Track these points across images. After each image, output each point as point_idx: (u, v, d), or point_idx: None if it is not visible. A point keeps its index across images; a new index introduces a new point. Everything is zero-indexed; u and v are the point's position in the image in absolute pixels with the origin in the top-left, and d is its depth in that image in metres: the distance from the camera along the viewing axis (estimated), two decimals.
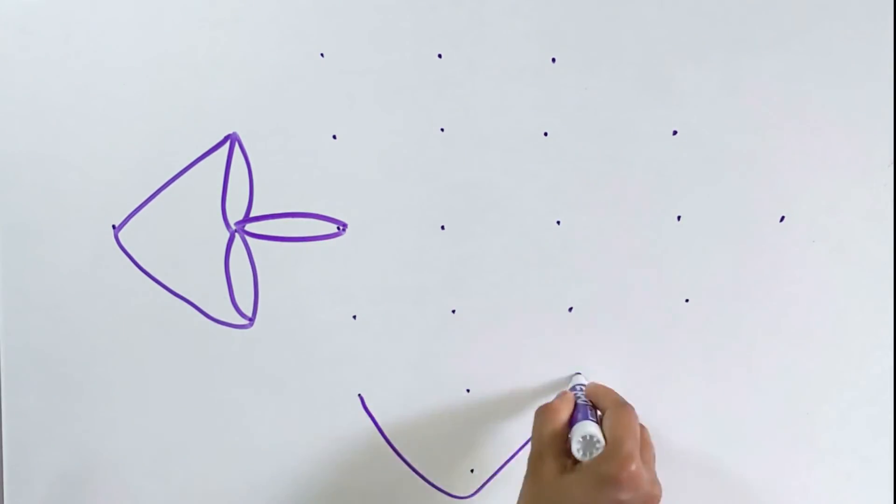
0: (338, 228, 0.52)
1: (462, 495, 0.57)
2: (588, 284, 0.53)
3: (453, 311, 0.54)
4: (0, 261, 0.53)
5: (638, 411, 0.56)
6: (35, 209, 0.52)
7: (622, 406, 0.46)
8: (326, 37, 0.49)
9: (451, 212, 0.52)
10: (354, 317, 0.54)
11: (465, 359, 0.54)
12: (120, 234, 0.52)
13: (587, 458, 0.43)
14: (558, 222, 0.52)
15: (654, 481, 0.44)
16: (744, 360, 0.55)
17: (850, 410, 0.56)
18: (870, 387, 0.56)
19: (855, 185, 0.52)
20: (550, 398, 0.51)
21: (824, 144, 0.51)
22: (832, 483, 0.57)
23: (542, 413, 0.47)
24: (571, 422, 0.46)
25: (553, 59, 0.49)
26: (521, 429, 0.57)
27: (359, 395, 0.56)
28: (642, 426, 0.47)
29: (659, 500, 0.44)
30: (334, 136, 0.51)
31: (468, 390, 0.55)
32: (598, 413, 0.48)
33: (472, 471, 0.57)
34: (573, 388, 0.51)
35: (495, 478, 0.57)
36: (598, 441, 0.43)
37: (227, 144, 0.51)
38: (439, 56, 0.49)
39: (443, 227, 0.52)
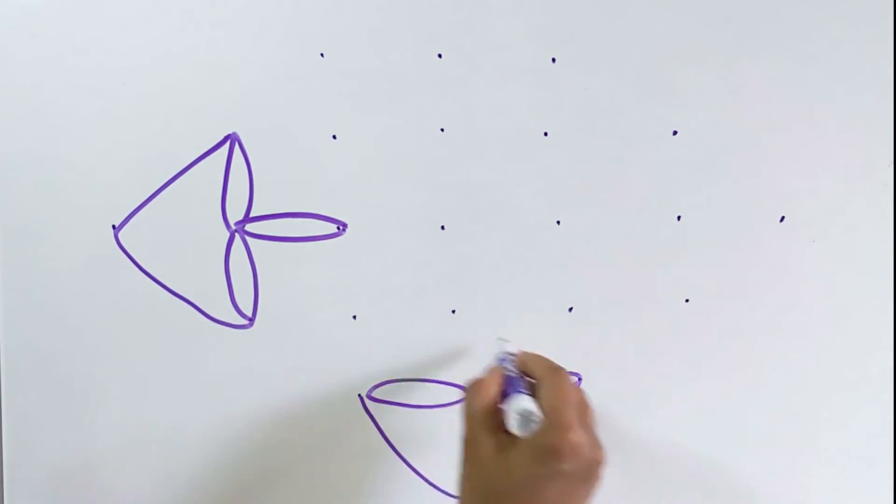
0: (338, 228, 0.52)
1: None
2: (588, 284, 0.53)
3: (453, 311, 0.54)
4: (0, 261, 0.53)
5: (638, 411, 0.56)
6: (35, 209, 0.52)
7: (556, 372, 0.44)
8: (326, 37, 0.49)
9: (451, 212, 0.52)
10: (354, 317, 0.54)
11: (464, 359, 0.54)
12: (120, 234, 0.52)
13: (526, 433, 0.42)
14: (558, 222, 0.52)
15: (596, 445, 0.43)
16: (744, 360, 0.55)
17: (850, 410, 0.56)
18: (870, 387, 0.56)
19: (855, 185, 0.52)
20: None
21: (824, 144, 0.51)
22: (832, 483, 0.57)
23: (472, 390, 0.45)
24: (503, 395, 0.45)
25: (553, 59, 0.49)
26: None
27: (359, 395, 0.56)
28: (578, 387, 0.45)
29: (602, 463, 0.43)
30: (334, 136, 0.51)
31: None
32: (530, 381, 0.46)
33: None
34: (501, 360, 0.49)
35: None
36: (535, 415, 0.42)
37: (227, 144, 0.51)
38: (439, 56, 0.49)
39: (443, 227, 0.52)
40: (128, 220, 0.52)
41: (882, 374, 0.55)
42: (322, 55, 0.50)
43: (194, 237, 0.53)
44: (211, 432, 0.56)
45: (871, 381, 0.55)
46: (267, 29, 0.49)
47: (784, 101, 0.50)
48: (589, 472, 0.42)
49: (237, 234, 0.53)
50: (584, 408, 0.45)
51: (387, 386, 0.55)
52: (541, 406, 0.43)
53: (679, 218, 0.52)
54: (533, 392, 0.44)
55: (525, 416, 0.42)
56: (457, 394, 0.55)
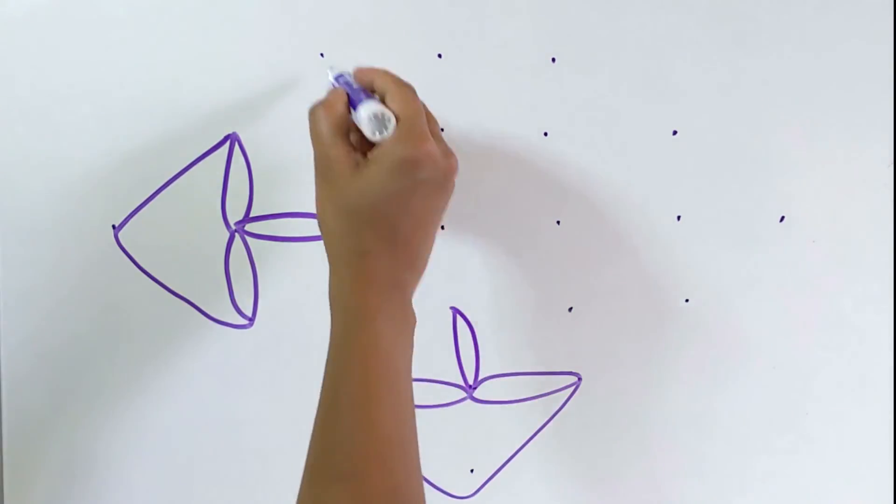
0: None
1: (462, 495, 0.57)
2: (588, 284, 0.53)
3: (453, 311, 0.54)
4: (0, 261, 0.53)
5: (638, 411, 0.56)
6: (35, 209, 0.52)
7: (403, 84, 0.42)
8: (326, 36, 0.49)
9: (451, 212, 0.52)
10: None
11: (464, 359, 0.54)
12: (120, 234, 0.52)
13: (380, 137, 0.40)
14: (558, 222, 0.52)
15: (449, 153, 0.43)
16: (743, 360, 0.55)
17: (850, 410, 0.56)
18: (870, 387, 0.56)
19: (855, 185, 0.52)
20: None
21: (824, 144, 0.51)
22: (832, 483, 0.57)
23: (315, 111, 0.42)
24: (351, 107, 0.42)
25: (553, 59, 0.49)
26: (521, 429, 0.57)
27: None
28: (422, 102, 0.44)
29: (456, 170, 0.43)
30: None
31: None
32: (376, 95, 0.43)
33: (472, 471, 0.57)
34: (338, 78, 0.45)
35: (495, 478, 0.57)
36: (388, 117, 0.40)
37: (227, 144, 0.51)
38: (439, 56, 0.49)
39: (443, 227, 0.52)
40: (128, 220, 0.52)
41: (882, 374, 0.55)
42: (322, 55, 0.50)
43: (194, 237, 0.53)
44: (211, 432, 0.56)
45: (871, 381, 0.55)
46: (267, 29, 0.49)
47: (784, 102, 0.50)
48: (445, 179, 0.42)
49: (237, 234, 0.53)
50: (432, 121, 0.45)
51: None
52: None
53: (679, 218, 0.52)
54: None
55: (378, 119, 0.40)
56: (458, 394, 0.55)
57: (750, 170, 0.51)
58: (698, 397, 0.56)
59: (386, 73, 0.43)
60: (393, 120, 0.41)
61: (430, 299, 0.53)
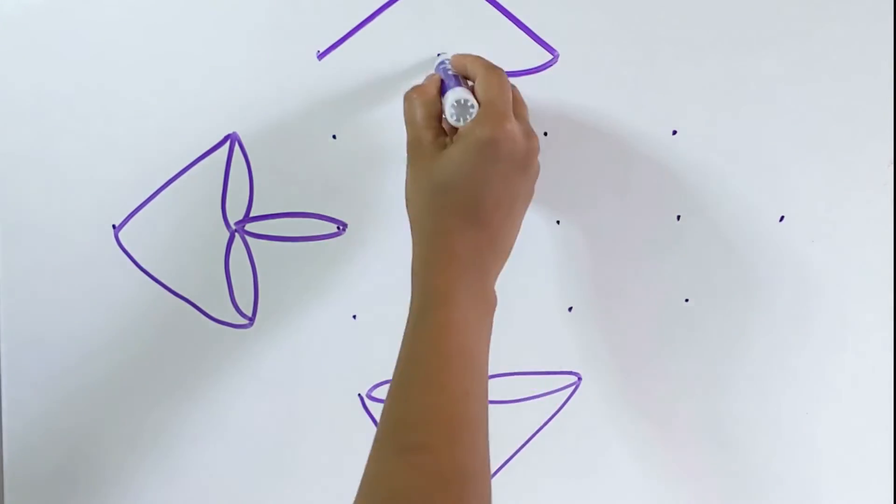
0: (338, 228, 0.52)
1: None
2: (588, 284, 0.53)
3: None
4: (0, 261, 0.53)
5: (637, 410, 0.56)
6: (35, 209, 0.52)
7: (492, 69, 0.44)
8: (326, 36, 0.49)
9: None
10: (354, 317, 0.54)
11: None
12: (120, 234, 0.52)
13: (462, 123, 0.42)
14: (558, 222, 0.52)
15: (531, 134, 0.44)
16: (744, 360, 0.55)
17: (850, 410, 0.56)
18: (870, 387, 0.56)
19: (855, 185, 0.52)
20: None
21: (824, 144, 0.51)
22: (832, 483, 0.58)
23: (412, 97, 0.45)
24: (442, 91, 0.44)
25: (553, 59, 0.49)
26: (521, 429, 0.57)
27: (359, 395, 0.56)
28: (513, 85, 0.46)
29: (538, 152, 0.44)
30: (334, 136, 0.51)
31: None
32: (470, 83, 0.45)
33: None
34: (439, 66, 0.47)
35: (495, 477, 0.57)
36: (471, 104, 0.42)
37: (227, 144, 0.51)
38: (438, 56, 0.49)
39: None
40: (128, 220, 0.52)
41: (882, 374, 0.55)
42: (318, 55, 0.50)
43: (194, 237, 0.53)
44: (211, 432, 0.56)
45: (871, 381, 0.55)
46: (267, 28, 0.49)
47: (784, 101, 0.50)
48: (526, 160, 0.43)
49: (237, 234, 0.53)
50: (519, 103, 0.46)
51: (387, 386, 0.55)
52: (478, 101, 0.43)
53: (679, 218, 0.52)
54: (472, 90, 0.44)
55: (462, 106, 0.42)
56: None
57: (750, 170, 0.51)
58: (698, 397, 0.56)
59: (477, 59, 0.45)
60: (476, 106, 0.42)
61: None
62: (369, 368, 0.55)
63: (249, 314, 0.54)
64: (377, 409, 0.56)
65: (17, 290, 0.53)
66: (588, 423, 0.56)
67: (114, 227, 0.52)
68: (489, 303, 0.43)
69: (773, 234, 0.52)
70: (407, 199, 0.45)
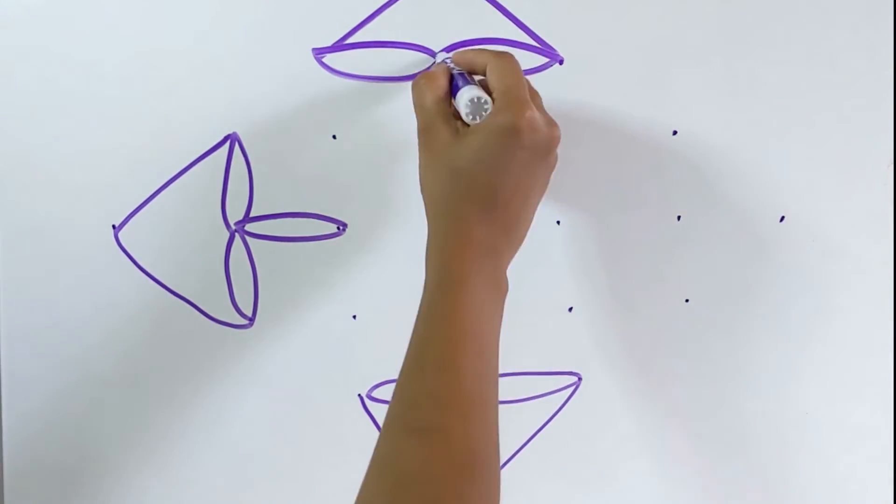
0: (338, 228, 0.52)
1: None
2: (588, 284, 0.53)
3: None
4: (0, 261, 0.53)
5: (637, 410, 0.56)
6: (35, 208, 0.52)
7: (502, 56, 0.44)
8: (326, 36, 0.49)
9: None
10: (354, 317, 0.54)
11: None
12: (120, 234, 0.52)
13: (479, 121, 0.42)
14: (558, 222, 0.52)
15: (552, 123, 0.43)
16: (743, 360, 0.55)
17: (851, 410, 0.56)
18: (870, 387, 0.56)
19: (855, 185, 0.52)
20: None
21: (824, 144, 0.51)
22: (832, 483, 0.58)
23: (421, 83, 0.45)
24: (452, 91, 0.44)
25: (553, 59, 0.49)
26: (521, 429, 0.57)
27: (359, 395, 0.56)
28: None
29: (558, 141, 0.44)
30: (334, 136, 0.51)
31: None
32: (477, 77, 0.45)
33: None
34: (443, 62, 0.47)
35: None
36: (484, 100, 0.42)
37: (227, 144, 0.51)
38: (439, 55, 0.49)
39: None
40: (128, 220, 0.52)
41: (882, 374, 0.55)
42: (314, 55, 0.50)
43: (194, 237, 0.53)
44: (211, 432, 0.56)
45: (871, 381, 0.55)
46: (267, 28, 0.48)
47: (784, 101, 0.50)
48: (547, 148, 0.43)
49: (237, 234, 0.53)
50: (534, 93, 0.45)
51: (387, 386, 0.55)
52: (493, 90, 0.43)
53: (679, 218, 0.52)
54: (481, 85, 0.44)
55: (475, 103, 0.42)
56: None
57: (750, 170, 0.51)
58: (698, 397, 0.56)
59: (482, 50, 0.45)
60: (490, 103, 0.42)
61: None
62: (369, 368, 0.55)
63: (249, 314, 0.54)
64: (377, 409, 0.56)
65: (17, 290, 0.53)
66: (588, 424, 0.56)
67: (114, 227, 0.52)
68: (501, 288, 0.43)
69: (773, 234, 0.52)
70: (421, 185, 0.45)
